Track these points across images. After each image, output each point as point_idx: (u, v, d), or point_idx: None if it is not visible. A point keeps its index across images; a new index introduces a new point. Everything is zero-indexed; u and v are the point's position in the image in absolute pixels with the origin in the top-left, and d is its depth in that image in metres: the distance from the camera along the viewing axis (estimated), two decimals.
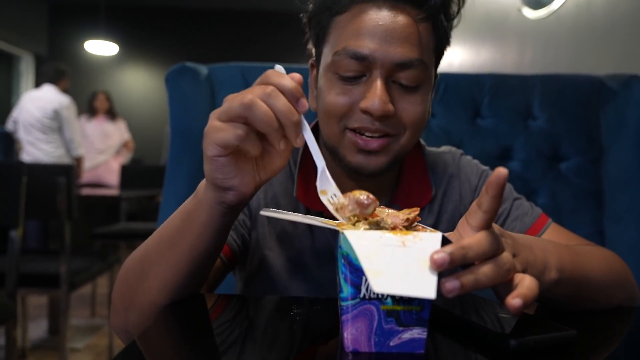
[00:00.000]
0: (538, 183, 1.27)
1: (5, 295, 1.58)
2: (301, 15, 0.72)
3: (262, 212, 0.50)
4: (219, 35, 6.56)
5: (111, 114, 4.72)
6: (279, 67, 0.51)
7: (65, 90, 3.70)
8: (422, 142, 0.82)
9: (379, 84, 0.62)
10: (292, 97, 0.47)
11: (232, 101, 0.46)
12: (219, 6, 6.50)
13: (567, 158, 1.27)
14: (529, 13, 1.90)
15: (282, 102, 0.46)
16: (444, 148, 0.84)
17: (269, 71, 0.48)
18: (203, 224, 0.53)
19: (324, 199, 0.51)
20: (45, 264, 2.03)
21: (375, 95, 0.62)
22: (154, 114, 6.09)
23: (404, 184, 0.76)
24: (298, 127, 0.47)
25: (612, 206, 1.24)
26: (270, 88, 0.46)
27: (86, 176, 4.51)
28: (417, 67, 0.63)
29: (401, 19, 0.63)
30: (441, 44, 0.69)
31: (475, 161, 0.82)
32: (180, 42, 6.54)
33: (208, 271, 0.58)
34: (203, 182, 0.54)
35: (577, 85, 1.29)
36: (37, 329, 2.75)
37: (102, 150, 4.63)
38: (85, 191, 3.48)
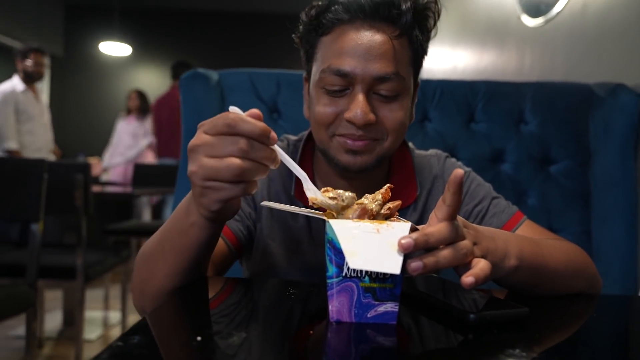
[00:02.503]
0: (529, 184, 1.34)
1: (26, 285, 1.68)
2: (293, 35, 0.80)
3: (263, 204, 0.58)
4: (230, 37, 6.68)
5: (142, 112, 4.76)
6: (234, 109, 0.51)
7: (36, 71, 3.49)
8: (412, 145, 0.90)
9: (360, 97, 0.71)
10: (263, 139, 0.49)
11: (219, 167, 0.48)
12: (230, 8, 6.61)
13: (557, 161, 1.34)
14: (528, 21, 1.97)
15: (258, 151, 0.48)
16: (431, 151, 0.92)
17: (231, 117, 0.48)
18: (199, 239, 0.59)
19: (323, 199, 0.55)
20: (62, 257, 2.13)
21: (357, 106, 0.70)
22: None
23: (392, 184, 0.83)
24: (276, 159, 0.51)
25: (599, 207, 1.31)
26: (242, 142, 0.48)
27: (115, 174, 4.64)
28: (394, 80, 0.71)
29: (378, 38, 0.71)
30: (417, 55, 0.76)
31: (459, 163, 0.89)
32: (191, 44, 6.67)
33: (208, 260, 0.65)
34: (190, 201, 0.58)
35: (567, 92, 1.36)
36: (52, 321, 2.87)
37: (129, 149, 4.73)
38: (98, 189, 3.59)
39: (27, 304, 1.67)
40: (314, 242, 0.83)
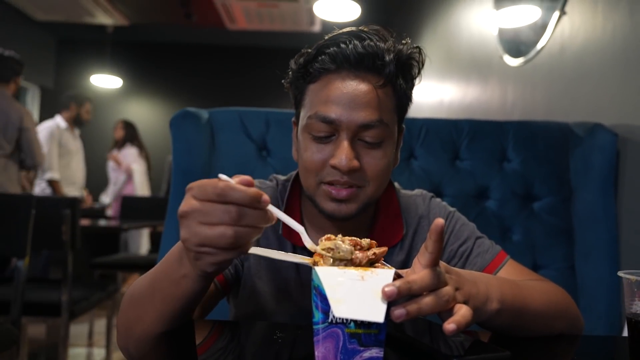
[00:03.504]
0: (513, 221, 1.37)
1: (9, 322, 1.65)
2: (283, 81, 0.83)
3: (251, 251, 0.60)
4: (219, 69, 6.78)
5: (122, 144, 4.75)
6: (223, 177, 0.51)
7: (74, 117, 3.84)
8: (397, 185, 0.93)
9: (345, 143, 0.73)
10: (254, 204, 0.49)
11: (212, 236, 0.48)
12: (219, 42, 6.73)
13: (540, 198, 1.37)
14: (510, 60, 2.04)
15: (251, 217, 0.49)
16: (417, 191, 0.94)
17: (220, 187, 0.49)
18: (191, 289, 0.59)
19: (319, 251, 0.56)
20: (47, 293, 2.10)
21: (342, 153, 0.73)
22: (155, 147, 6.21)
23: (379, 223, 0.85)
24: (271, 218, 0.51)
25: (582, 243, 1.34)
26: (233, 211, 0.48)
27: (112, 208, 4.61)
28: (378, 127, 0.74)
29: (362, 87, 0.74)
30: (401, 102, 0.80)
31: (444, 203, 0.92)
32: (182, 77, 6.75)
33: (196, 307, 0.65)
34: (183, 253, 0.57)
35: (548, 131, 1.40)
36: (34, 358, 2.79)
37: (114, 185, 4.72)
38: (86, 222, 3.56)
39: (10, 342, 1.63)
40: (301, 281, 0.83)
